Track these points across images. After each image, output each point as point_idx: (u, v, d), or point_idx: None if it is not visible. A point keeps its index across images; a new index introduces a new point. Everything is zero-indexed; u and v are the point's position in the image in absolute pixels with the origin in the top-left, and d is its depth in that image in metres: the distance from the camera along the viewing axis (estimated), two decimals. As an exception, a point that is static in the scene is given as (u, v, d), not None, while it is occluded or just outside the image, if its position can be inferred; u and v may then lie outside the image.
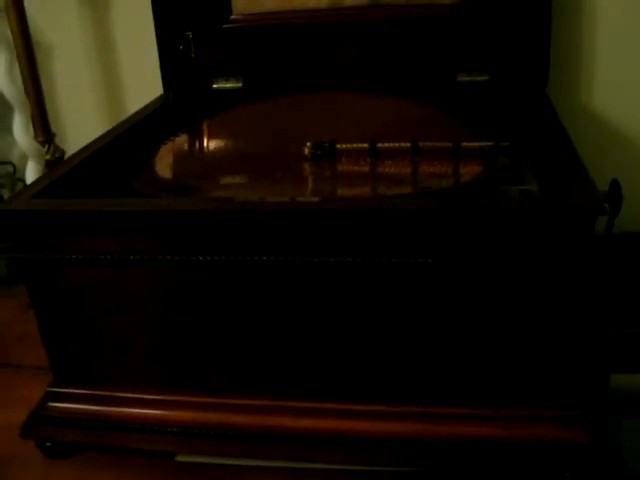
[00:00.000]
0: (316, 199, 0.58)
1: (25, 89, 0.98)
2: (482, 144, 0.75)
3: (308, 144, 0.76)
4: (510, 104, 0.88)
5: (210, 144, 0.86)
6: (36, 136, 1.01)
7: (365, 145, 0.76)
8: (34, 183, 0.69)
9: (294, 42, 0.94)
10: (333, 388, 0.64)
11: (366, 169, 0.74)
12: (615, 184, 0.60)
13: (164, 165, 0.80)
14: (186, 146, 0.85)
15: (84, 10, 1.08)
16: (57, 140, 1.04)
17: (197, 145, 0.87)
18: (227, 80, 0.97)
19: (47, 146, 1.02)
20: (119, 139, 0.81)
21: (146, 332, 0.65)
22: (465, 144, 0.75)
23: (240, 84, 0.96)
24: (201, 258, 0.60)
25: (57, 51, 1.10)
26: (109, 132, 0.83)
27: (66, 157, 1.03)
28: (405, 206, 0.58)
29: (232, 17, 0.95)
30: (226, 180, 0.75)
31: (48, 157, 1.02)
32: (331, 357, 0.62)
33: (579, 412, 0.62)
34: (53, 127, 1.04)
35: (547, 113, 0.82)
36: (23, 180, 1.09)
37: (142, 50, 1.03)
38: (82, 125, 1.12)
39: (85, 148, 0.78)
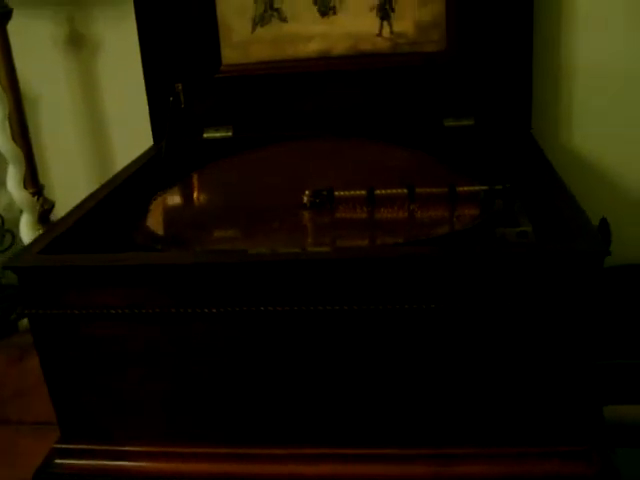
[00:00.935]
0: (327, 249, 0.59)
1: (14, 142, 0.98)
2: (477, 188, 0.77)
3: (307, 192, 0.78)
4: (497, 146, 0.91)
5: (204, 196, 0.87)
6: (25, 188, 1.01)
7: (363, 192, 0.77)
8: (36, 240, 0.69)
9: (283, 91, 0.96)
10: (347, 434, 0.64)
11: (365, 216, 0.75)
12: (604, 223, 0.62)
13: (160, 219, 0.80)
14: (181, 199, 0.86)
15: (71, 60, 1.09)
16: (45, 192, 1.05)
17: (192, 197, 0.87)
18: (217, 130, 0.98)
19: (37, 198, 1.02)
20: (113, 195, 0.81)
21: (156, 385, 0.65)
22: (460, 189, 0.77)
23: (230, 133, 0.98)
24: (214, 310, 0.61)
25: (43, 102, 1.11)
26: (103, 187, 0.83)
27: (55, 209, 1.04)
28: (413, 254, 0.59)
29: (222, 67, 0.97)
30: (226, 232, 0.76)
31: (37, 208, 1.02)
32: (345, 404, 0.63)
33: (587, 446, 0.63)
34: (41, 179, 1.04)
35: (534, 154, 0.85)
36: (11, 231, 1.08)
37: (130, 100, 1.05)
38: (70, 176, 1.13)
39: (81, 205, 0.77)
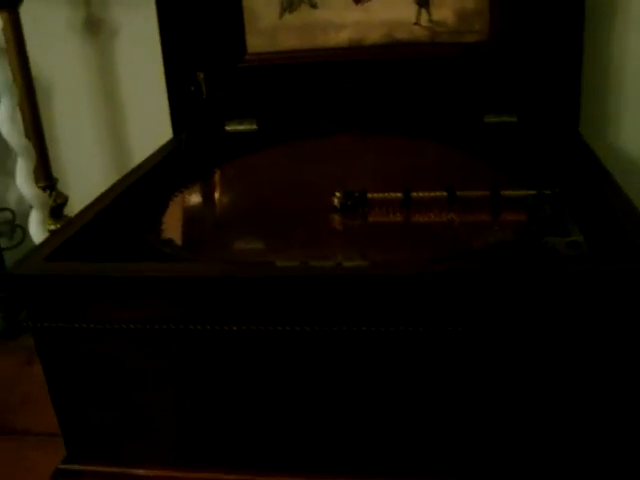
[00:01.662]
0: (363, 263, 0.53)
1: (26, 134, 0.93)
2: (523, 193, 0.70)
3: (337, 194, 0.71)
4: (542, 145, 0.84)
5: (226, 196, 0.81)
6: (37, 182, 0.96)
7: (398, 194, 0.71)
8: (46, 242, 0.63)
9: (312, 82, 0.90)
10: (383, 463, 0.58)
11: (401, 222, 0.69)
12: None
13: (178, 223, 0.74)
14: (201, 199, 0.79)
15: (87, 46, 1.03)
16: (59, 185, 0.99)
17: (213, 197, 0.81)
18: (241, 122, 0.92)
19: (49, 192, 0.97)
20: (129, 191, 0.75)
21: (168, 405, 0.60)
22: (505, 192, 0.70)
23: (255, 126, 0.92)
24: (234, 328, 0.55)
25: (58, 91, 1.05)
26: (118, 183, 0.77)
27: (70, 203, 0.98)
28: (458, 270, 0.53)
29: (247, 56, 0.91)
30: (249, 239, 0.69)
31: (50, 203, 0.97)
32: (387, 431, 0.57)
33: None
34: (54, 171, 0.99)
35: (583, 154, 0.78)
36: (22, 227, 1.03)
37: (149, 89, 0.99)
38: (85, 169, 1.07)
39: (93, 204, 0.72)
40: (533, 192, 0.70)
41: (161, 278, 0.55)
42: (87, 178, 1.04)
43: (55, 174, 0.99)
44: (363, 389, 0.55)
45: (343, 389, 0.55)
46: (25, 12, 0.90)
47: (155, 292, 0.56)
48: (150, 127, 0.97)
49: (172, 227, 0.69)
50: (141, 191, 0.77)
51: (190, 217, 0.74)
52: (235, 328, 0.55)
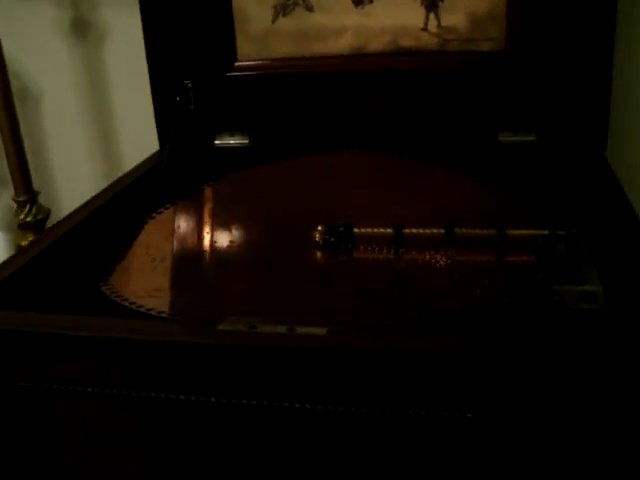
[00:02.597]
0: (321, 331, 0.44)
1: (4, 144, 0.86)
2: (534, 232, 0.61)
3: (319, 228, 0.63)
4: (562, 170, 0.75)
5: (197, 227, 0.72)
6: (17, 195, 0.90)
7: (388, 230, 0.62)
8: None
9: (309, 93, 0.82)
10: None
11: (384, 266, 0.60)
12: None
13: (139, 259, 0.66)
14: (171, 229, 0.71)
15: (74, 49, 0.96)
16: (43, 198, 0.93)
17: (184, 228, 0.72)
18: (232, 135, 0.84)
19: (28, 206, 0.90)
20: (97, 214, 0.68)
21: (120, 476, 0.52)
22: (512, 232, 0.61)
23: (246, 140, 0.84)
24: (181, 397, 0.47)
25: (43, 96, 0.99)
26: (88, 203, 0.70)
27: (52, 217, 0.92)
28: (451, 348, 0.43)
29: (237, 64, 0.82)
30: (205, 289, 0.60)
31: (29, 219, 0.91)
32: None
33: None
34: (40, 182, 0.92)
35: (609, 184, 0.68)
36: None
37: (139, 95, 0.90)
38: (72, 180, 1.01)
39: (55, 227, 0.65)
40: (545, 232, 0.61)
41: (98, 338, 0.47)
42: (75, 189, 0.98)
43: (38, 186, 0.92)
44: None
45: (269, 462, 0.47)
46: (7, 11, 0.83)
47: (96, 352, 0.48)
48: (141, 134, 0.90)
49: (130, 267, 0.62)
50: (110, 214, 0.70)
51: (152, 255, 0.66)
52: (183, 397, 0.47)
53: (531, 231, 0.61)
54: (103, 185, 0.74)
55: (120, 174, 0.79)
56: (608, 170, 0.71)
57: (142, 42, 0.83)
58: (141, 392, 0.47)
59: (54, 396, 0.49)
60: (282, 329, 0.44)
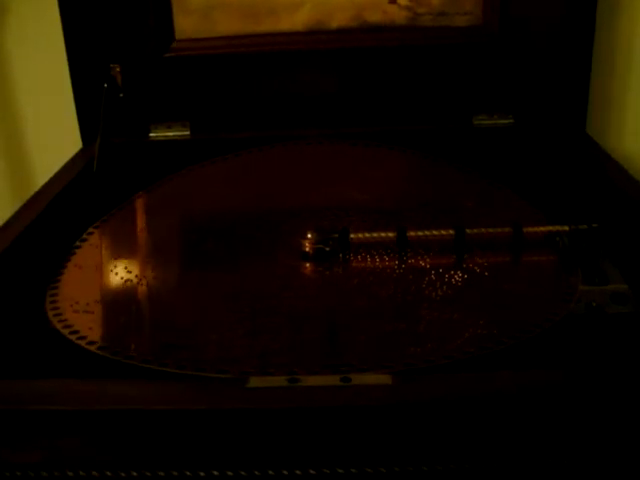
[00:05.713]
0: (386, 379, 0.35)
1: None
2: (553, 228, 0.55)
3: (309, 236, 0.54)
4: (545, 152, 0.71)
5: (152, 238, 0.61)
6: None
7: (390, 234, 0.54)
8: None
9: (259, 77, 0.75)
10: None
11: (395, 282, 0.51)
12: None
13: (79, 287, 0.53)
14: (111, 249, 0.59)
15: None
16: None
17: (126, 245, 0.60)
18: (170, 127, 0.76)
19: None
20: (19, 241, 0.55)
21: None
22: (529, 229, 0.54)
23: (187, 132, 0.76)
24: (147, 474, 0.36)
25: None
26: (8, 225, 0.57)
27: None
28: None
29: (175, 43, 0.73)
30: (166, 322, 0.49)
31: None
32: None
33: None
34: None
35: (597, 160, 0.64)
36: None
37: (55, 85, 0.80)
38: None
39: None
40: (565, 227, 0.54)
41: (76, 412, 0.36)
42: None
43: None
44: None
45: None
46: None
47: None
48: (59, 133, 0.80)
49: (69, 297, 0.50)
50: (37, 235, 0.57)
51: (95, 281, 0.53)
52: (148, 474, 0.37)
53: (550, 227, 0.55)
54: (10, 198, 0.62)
55: (33, 185, 0.70)
56: (595, 147, 0.68)
57: (57, 17, 0.73)
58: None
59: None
60: (334, 380, 0.35)
